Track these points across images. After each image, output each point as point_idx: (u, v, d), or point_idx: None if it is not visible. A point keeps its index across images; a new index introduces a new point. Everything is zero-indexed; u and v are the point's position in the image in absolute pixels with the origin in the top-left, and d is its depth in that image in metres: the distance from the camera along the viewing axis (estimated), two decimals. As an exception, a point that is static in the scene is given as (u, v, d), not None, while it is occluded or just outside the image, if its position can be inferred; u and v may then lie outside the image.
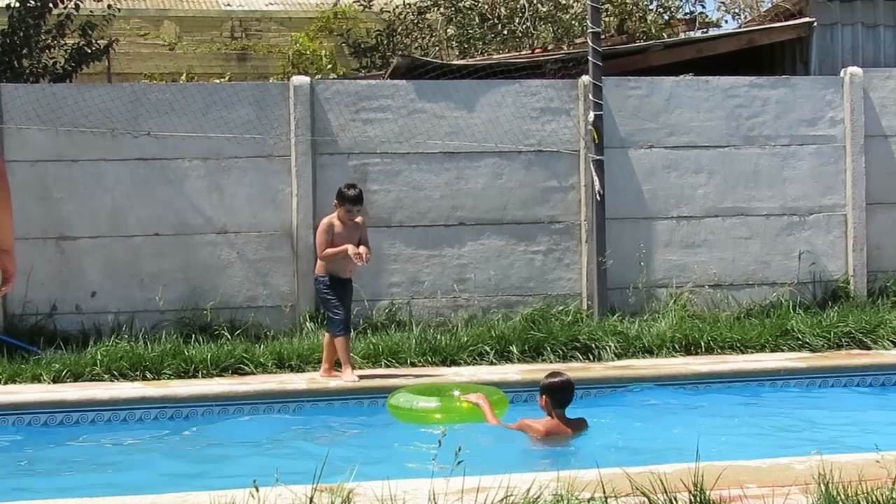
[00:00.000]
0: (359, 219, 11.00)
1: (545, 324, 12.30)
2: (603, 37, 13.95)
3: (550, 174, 13.30)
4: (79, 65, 16.07)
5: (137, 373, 10.95)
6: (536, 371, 11.09)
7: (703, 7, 19.28)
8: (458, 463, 5.26)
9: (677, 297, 13.22)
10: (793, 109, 13.73)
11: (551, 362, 11.48)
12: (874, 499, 5.07)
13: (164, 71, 19.15)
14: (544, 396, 8.77)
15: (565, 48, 15.86)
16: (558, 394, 8.77)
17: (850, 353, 11.88)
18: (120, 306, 12.58)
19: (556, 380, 8.85)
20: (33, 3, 15.46)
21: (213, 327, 12.36)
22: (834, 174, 13.79)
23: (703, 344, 11.94)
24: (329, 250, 10.76)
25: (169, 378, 10.89)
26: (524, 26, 18.17)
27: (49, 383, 10.71)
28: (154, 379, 10.86)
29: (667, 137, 13.52)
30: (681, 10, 18.65)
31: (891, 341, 12.09)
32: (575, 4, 17.95)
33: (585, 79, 13.23)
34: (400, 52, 17.03)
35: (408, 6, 18.94)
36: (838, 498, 5.12)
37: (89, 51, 16.16)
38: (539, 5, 18.05)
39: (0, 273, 5.77)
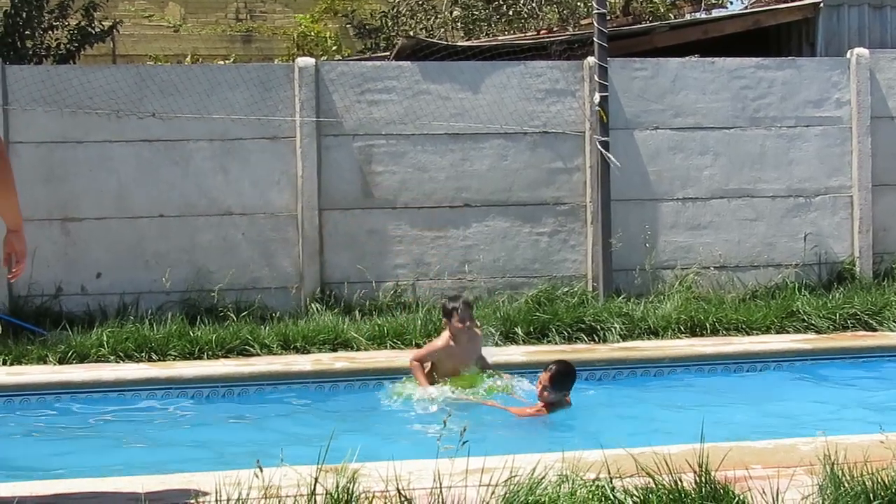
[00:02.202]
0: (477, 331, 9.91)
1: (550, 305, 12.30)
2: (608, 18, 13.92)
3: (556, 155, 13.29)
4: (82, 45, 16.07)
5: (143, 354, 10.96)
6: (541, 352, 11.12)
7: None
8: (464, 443, 5.26)
9: (683, 278, 13.21)
10: (799, 91, 13.70)
11: (556, 344, 11.49)
12: (879, 479, 5.07)
13: (169, 52, 19.16)
14: (540, 383, 8.76)
15: (570, 29, 15.87)
16: (560, 380, 8.78)
17: (855, 335, 11.87)
18: (125, 287, 12.58)
19: (555, 368, 8.85)
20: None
21: (219, 308, 12.36)
22: (840, 155, 13.77)
23: (708, 325, 11.93)
24: (416, 371, 9.61)
25: (174, 359, 10.90)
26: (529, 7, 18.15)
27: (55, 364, 10.72)
28: (159, 360, 10.88)
29: (672, 119, 13.49)
30: (686, -9, 18.63)
31: (896, 322, 12.09)
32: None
33: (591, 60, 13.20)
34: (405, 34, 17.00)
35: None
36: (843, 479, 5.12)
37: (92, 31, 16.16)
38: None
39: (12, 255, 5.75)
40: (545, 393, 8.77)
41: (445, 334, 9.69)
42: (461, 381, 9.50)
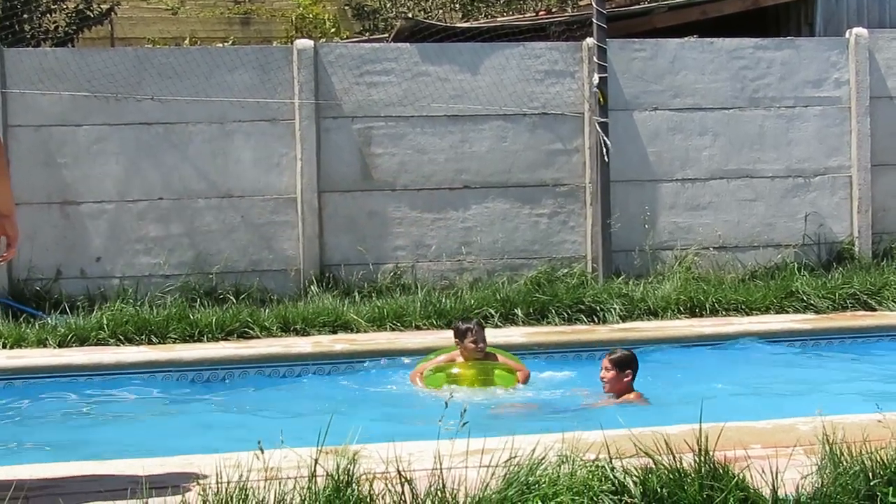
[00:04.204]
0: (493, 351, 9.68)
1: (550, 287, 12.31)
2: (607, -1, 13.89)
3: (555, 137, 13.28)
4: (80, 28, 16.05)
5: (143, 337, 10.96)
6: (541, 334, 11.14)
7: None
8: (464, 424, 5.27)
9: (682, 259, 13.22)
10: (798, 71, 13.68)
11: (556, 325, 11.51)
12: (878, 459, 5.08)
13: (168, 35, 19.09)
14: (627, 371, 8.78)
15: (569, 10, 15.83)
16: (637, 363, 8.87)
17: (854, 315, 11.89)
18: (125, 271, 12.59)
19: (631, 352, 8.92)
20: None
21: (218, 291, 12.37)
22: (839, 136, 13.76)
23: (707, 306, 11.95)
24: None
25: (174, 342, 10.90)
26: (528, -12, 18.09)
27: (55, 348, 10.72)
28: (159, 343, 10.88)
29: (671, 99, 13.48)
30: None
31: (895, 302, 12.08)
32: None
33: (590, 41, 13.19)
34: (403, 15, 16.97)
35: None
36: (842, 458, 5.13)
37: (91, 14, 16.13)
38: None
39: (3, 239, 5.75)
40: (626, 379, 8.81)
41: (454, 354, 9.57)
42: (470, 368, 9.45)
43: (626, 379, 8.76)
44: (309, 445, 5.38)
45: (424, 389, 9.35)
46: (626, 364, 8.79)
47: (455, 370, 9.39)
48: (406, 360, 10.19)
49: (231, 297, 12.18)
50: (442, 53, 13.19)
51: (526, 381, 9.49)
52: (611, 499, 4.92)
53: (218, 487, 4.89)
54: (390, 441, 5.65)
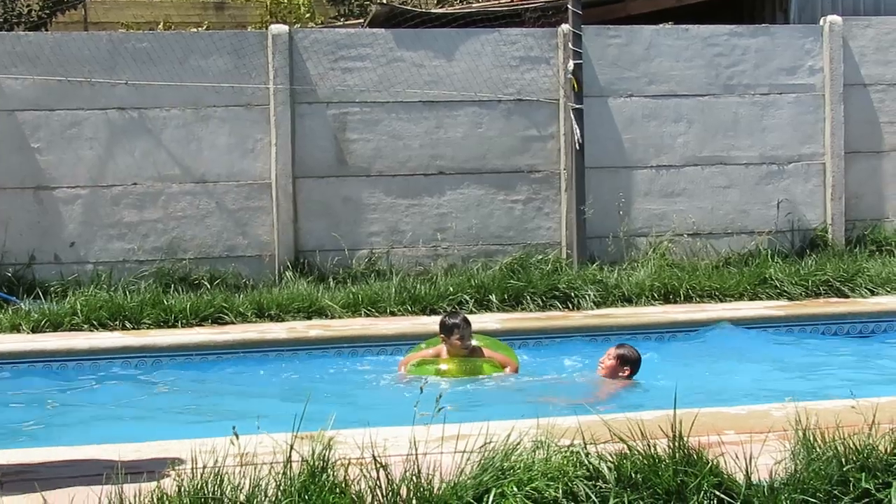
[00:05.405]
0: (477, 344, 9.54)
1: (525, 273, 12.31)
2: (582, -15, 13.88)
3: (530, 123, 13.28)
4: (53, 12, 15.99)
5: (117, 322, 10.92)
6: (515, 320, 11.15)
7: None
8: (439, 410, 5.27)
9: (656, 245, 13.24)
10: (772, 58, 13.72)
11: (531, 311, 11.52)
12: (851, 444, 5.11)
13: (142, 20, 19.00)
14: (626, 368, 8.88)
15: (544, -4, 15.80)
16: (638, 365, 8.93)
17: (827, 301, 11.94)
18: (99, 256, 12.55)
19: (638, 354, 8.98)
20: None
21: (193, 277, 12.35)
22: (813, 123, 13.80)
23: (681, 292, 11.96)
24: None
25: (148, 328, 10.87)
26: (503, -26, 18.05)
27: (28, 333, 10.67)
28: (134, 329, 10.84)
29: (646, 86, 13.49)
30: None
31: (868, 289, 12.14)
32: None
33: (565, 27, 13.19)
34: (378, 1, 16.94)
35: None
36: (815, 444, 5.16)
37: (65, -1, 16.09)
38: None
39: None
40: (623, 374, 8.91)
41: (440, 348, 9.52)
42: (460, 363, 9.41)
43: (622, 374, 8.85)
44: (284, 431, 5.38)
45: (409, 377, 9.28)
46: (628, 362, 8.91)
47: (442, 366, 9.32)
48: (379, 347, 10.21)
49: (205, 283, 12.16)
50: (417, 39, 13.18)
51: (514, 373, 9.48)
52: (585, 484, 4.93)
53: (193, 473, 4.89)
54: (365, 427, 5.65)
